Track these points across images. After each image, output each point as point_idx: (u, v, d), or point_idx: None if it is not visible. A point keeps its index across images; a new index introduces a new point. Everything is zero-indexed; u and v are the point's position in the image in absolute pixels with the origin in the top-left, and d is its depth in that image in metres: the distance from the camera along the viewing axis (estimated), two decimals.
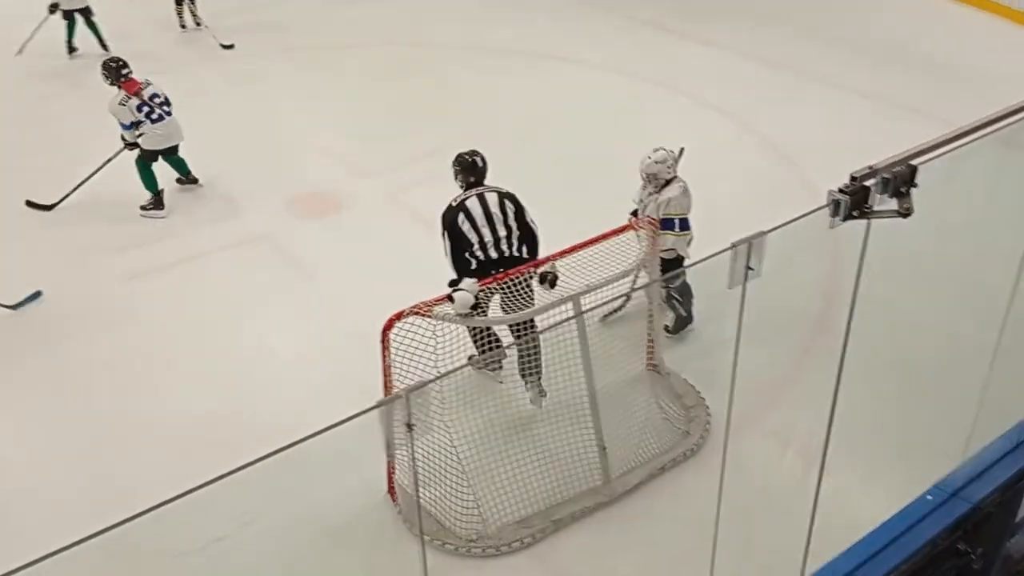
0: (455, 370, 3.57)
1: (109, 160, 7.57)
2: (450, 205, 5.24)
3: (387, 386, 4.35)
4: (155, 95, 7.43)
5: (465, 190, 5.34)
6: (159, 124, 7.42)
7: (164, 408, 5.50)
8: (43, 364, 5.96)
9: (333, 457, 3.72)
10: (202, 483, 2.01)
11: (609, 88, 9.67)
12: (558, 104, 9.32)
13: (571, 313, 4.46)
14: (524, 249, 5.17)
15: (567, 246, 4.73)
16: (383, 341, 4.28)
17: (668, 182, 5.54)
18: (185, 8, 11.52)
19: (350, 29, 11.73)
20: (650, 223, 4.95)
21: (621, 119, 8.81)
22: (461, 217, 5.14)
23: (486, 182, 5.37)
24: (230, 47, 11.05)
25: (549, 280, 4.63)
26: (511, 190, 5.31)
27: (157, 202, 7.58)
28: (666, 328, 5.68)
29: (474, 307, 4.43)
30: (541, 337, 4.73)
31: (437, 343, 4.33)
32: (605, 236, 4.81)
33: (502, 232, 5.13)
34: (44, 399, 5.69)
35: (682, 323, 5.82)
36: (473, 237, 5.10)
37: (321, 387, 5.48)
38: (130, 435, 5.29)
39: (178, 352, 5.99)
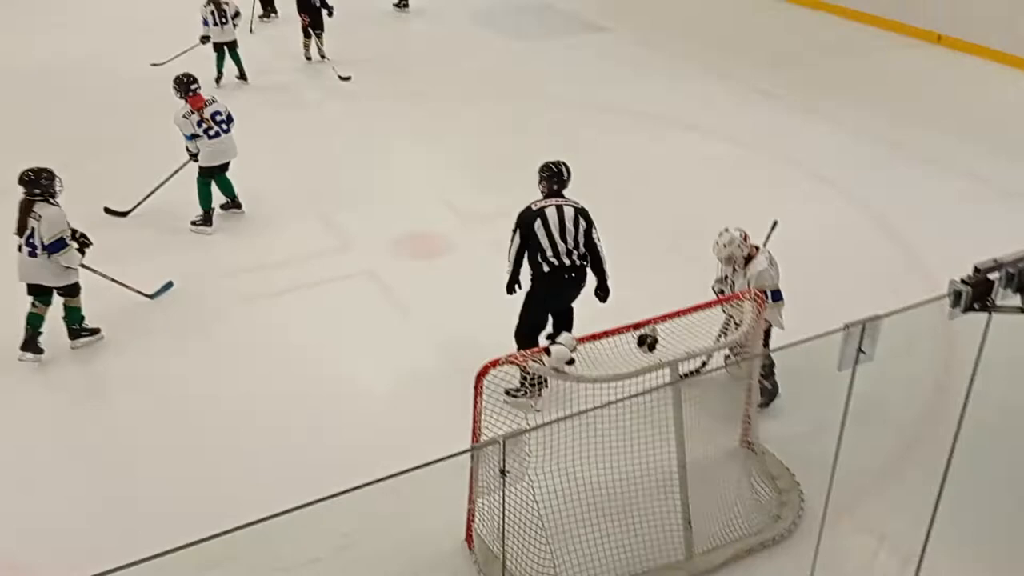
0: (547, 423, 3.55)
1: (177, 171, 8.12)
2: (529, 208, 5.75)
3: (476, 432, 4.36)
4: (217, 113, 7.86)
5: (546, 197, 5.79)
6: (214, 140, 7.84)
7: (255, 428, 5.67)
8: (154, 367, 6.26)
9: (417, 495, 3.77)
10: (301, 504, 2.07)
11: (719, 156, 9.58)
12: (666, 167, 9.30)
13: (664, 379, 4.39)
14: (587, 261, 5.73)
15: (667, 311, 4.67)
16: (476, 387, 4.29)
17: (750, 258, 5.47)
18: (312, 42, 12.38)
19: (470, 78, 12.07)
20: (757, 295, 4.85)
21: (728, 188, 8.73)
22: (538, 223, 5.65)
23: (565, 194, 5.82)
24: (347, 79, 11.74)
25: (648, 343, 4.57)
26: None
27: (206, 219, 8.02)
28: (759, 405, 5.52)
29: (569, 362, 4.42)
30: (634, 401, 4.68)
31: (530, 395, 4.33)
32: (709, 304, 4.75)
33: (571, 244, 5.66)
34: (144, 400, 5.94)
35: (769, 395, 5.65)
36: (545, 244, 5.63)
37: (409, 425, 5.55)
38: (226, 449, 5.47)
39: (274, 375, 6.17)
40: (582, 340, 4.51)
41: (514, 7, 15.47)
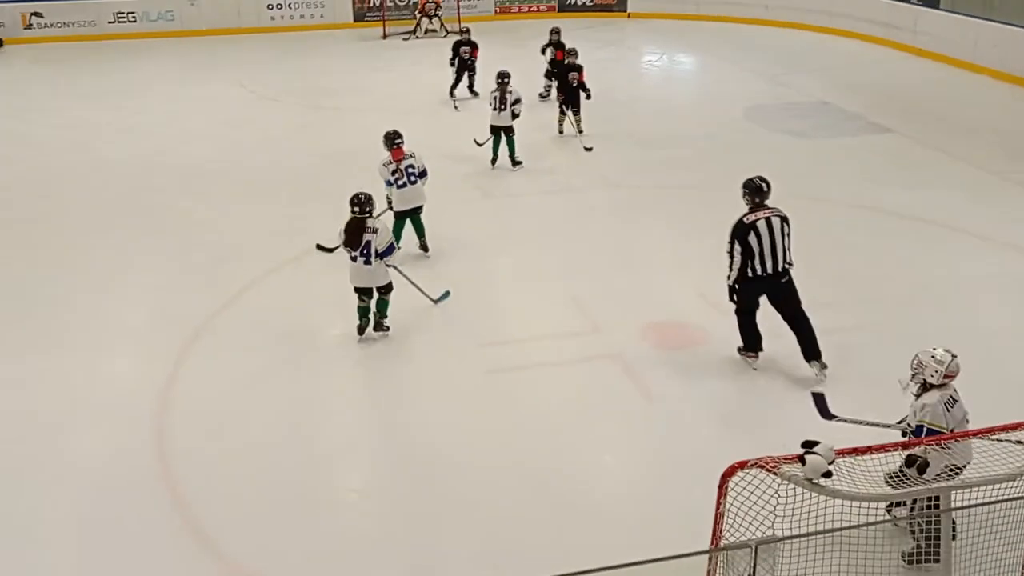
0: (800, 536, 3.31)
1: (379, 215, 8.62)
2: (741, 220, 6.56)
3: (716, 534, 4.15)
4: (411, 166, 8.91)
5: (751, 210, 6.58)
6: (402, 189, 8.92)
7: (494, 502, 5.77)
8: (396, 429, 6.58)
9: None
10: None
11: (1010, 273, 8.75)
12: (952, 278, 8.60)
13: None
14: (791, 264, 6.58)
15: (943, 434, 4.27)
16: (721, 487, 4.10)
17: (930, 387, 4.89)
18: (568, 117, 13.09)
19: (737, 172, 11.75)
20: None
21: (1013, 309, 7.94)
22: (752, 235, 6.47)
23: (767, 203, 6.65)
24: (590, 149, 12.53)
25: (918, 465, 4.18)
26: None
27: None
28: (902, 555, 4.81)
29: (826, 474, 4.11)
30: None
31: (778, 503, 4.07)
32: (992, 430, 4.27)
33: (779, 252, 6.51)
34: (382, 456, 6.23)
35: (920, 557, 4.69)
36: (756, 254, 6.46)
37: (645, 514, 5.47)
38: (464, 519, 5.61)
39: (513, 449, 6.28)
40: (842, 453, 4.20)
41: (789, 104, 15.20)
